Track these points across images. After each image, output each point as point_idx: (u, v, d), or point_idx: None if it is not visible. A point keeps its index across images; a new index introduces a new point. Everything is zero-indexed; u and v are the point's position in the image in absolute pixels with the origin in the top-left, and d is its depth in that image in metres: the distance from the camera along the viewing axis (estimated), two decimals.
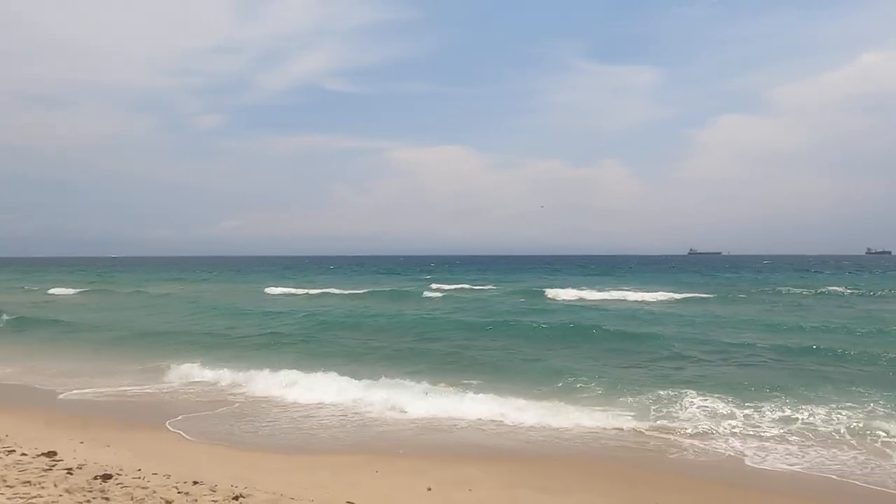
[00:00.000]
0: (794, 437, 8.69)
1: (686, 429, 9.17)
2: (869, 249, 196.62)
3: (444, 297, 34.37)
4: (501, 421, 9.86)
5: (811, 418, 9.42)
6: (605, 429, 9.30)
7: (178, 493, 5.98)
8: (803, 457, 7.93)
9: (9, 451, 7.24)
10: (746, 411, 9.85)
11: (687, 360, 14.61)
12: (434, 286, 42.21)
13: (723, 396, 10.72)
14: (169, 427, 9.53)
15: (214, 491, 6.11)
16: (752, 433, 8.93)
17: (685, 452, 8.28)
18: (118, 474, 6.50)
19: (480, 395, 11.07)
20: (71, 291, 41.66)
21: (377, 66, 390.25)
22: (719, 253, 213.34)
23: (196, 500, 5.76)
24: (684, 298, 31.62)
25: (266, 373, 12.95)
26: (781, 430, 8.96)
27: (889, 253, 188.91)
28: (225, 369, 13.61)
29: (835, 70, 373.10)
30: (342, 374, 12.80)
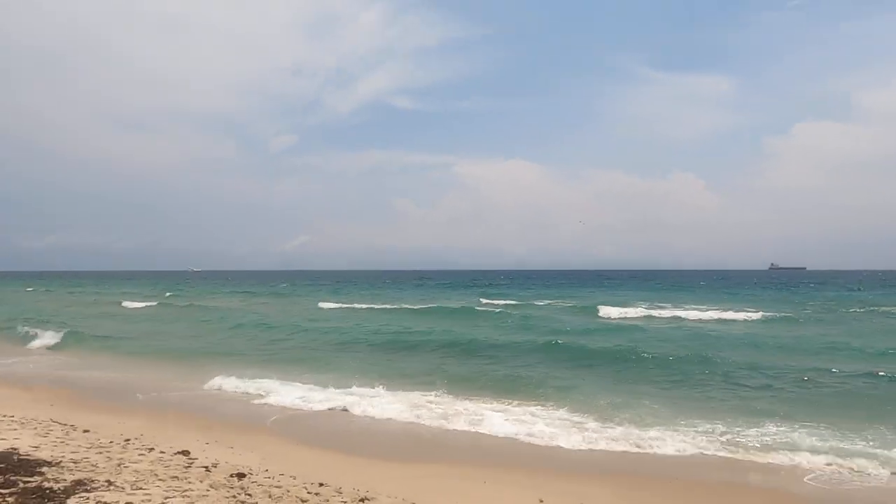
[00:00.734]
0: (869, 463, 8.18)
1: (757, 449, 8.95)
2: None
3: (497, 313, 33.63)
4: (580, 441, 9.78)
5: None
6: (688, 453, 9.09)
7: (308, 493, 6.35)
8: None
9: (149, 450, 7.91)
10: (834, 442, 9.26)
11: (741, 387, 13.64)
12: (484, 301, 42.23)
13: (807, 426, 10.15)
14: (277, 432, 10.08)
15: (340, 493, 6.46)
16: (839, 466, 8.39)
17: (766, 476, 7.99)
18: (249, 473, 6.97)
19: (553, 416, 11.23)
20: (140, 304, 43.42)
21: (441, 82, 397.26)
22: (803, 268, 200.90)
23: (327, 501, 6.10)
24: (759, 318, 29.05)
25: (331, 388, 13.62)
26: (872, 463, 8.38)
27: None
28: (276, 381, 14.34)
29: None
30: (408, 389, 13.48)
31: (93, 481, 6.01)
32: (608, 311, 33.19)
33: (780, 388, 13.32)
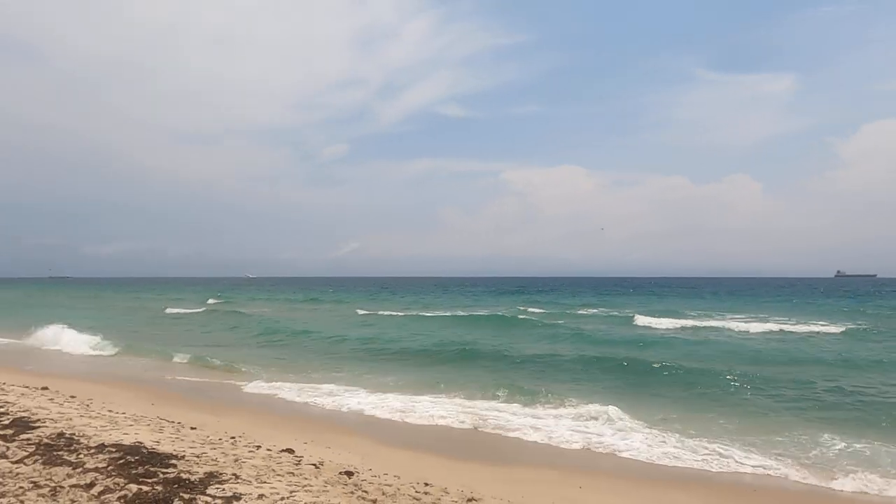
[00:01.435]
0: None
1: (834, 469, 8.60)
2: None
3: (545, 322, 32.77)
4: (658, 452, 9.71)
5: None
6: (765, 467, 8.90)
7: (417, 492, 6.60)
8: None
9: (256, 447, 8.36)
10: None
11: (816, 402, 13.10)
12: (532, 309, 42.01)
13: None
14: (366, 435, 10.42)
15: (447, 493, 6.67)
16: None
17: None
18: (356, 472, 7.28)
19: (615, 426, 11.25)
20: (182, 310, 44.06)
21: (489, 90, 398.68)
22: (874, 275, 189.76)
23: (438, 500, 6.33)
24: (834, 331, 27.30)
25: (394, 393, 14.22)
26: None
27: None
28: (343, 385, 14.69)
29: None
30: (467, 397, 13.72)
31: (221, 474, 6.44)
32: (648, 321, 32.55)
33: (865, 404, 12.79)
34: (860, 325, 29.64)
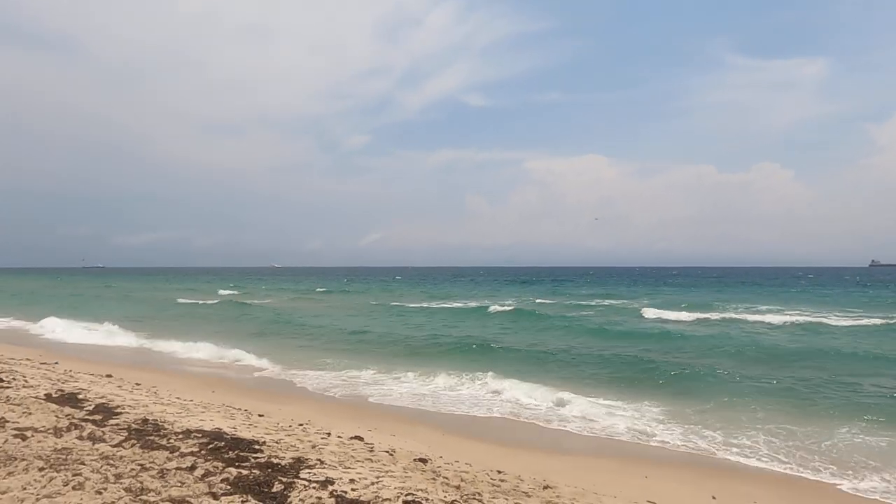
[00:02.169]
0: None
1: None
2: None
3: (537, 313, 32.87)
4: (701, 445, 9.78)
5: None
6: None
7: (492, 479, 6.81)
8: None
9: (327, 434, 8.66)
10: None
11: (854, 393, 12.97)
12: (535, 299, 41.58)
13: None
14: (427, 423, 10.69)
15: (522, 480, 6.88)
16: None
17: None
18: (429, 459, 7.53)
19: (658, 417, 11.49)
20: (193, 301, 44.30)
21: (513, 78, 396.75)
22: None
23: (516, 487, 6.53)
24: (839, 325, 26.46)
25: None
26: None
27: None
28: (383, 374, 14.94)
29: None
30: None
31: (307, 459, 6.73)
32: (656, 314, 32.15)
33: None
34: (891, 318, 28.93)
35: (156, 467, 5.93)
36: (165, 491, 5.17)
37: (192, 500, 5.03)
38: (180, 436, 7.41)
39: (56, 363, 14.63)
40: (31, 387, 10.39)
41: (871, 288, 60.83)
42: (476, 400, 12.81)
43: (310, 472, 6.19)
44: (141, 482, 5.32)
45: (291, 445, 7.53)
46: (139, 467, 5.86)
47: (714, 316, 30.80)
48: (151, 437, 7.19)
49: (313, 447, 7.58)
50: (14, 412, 8.05)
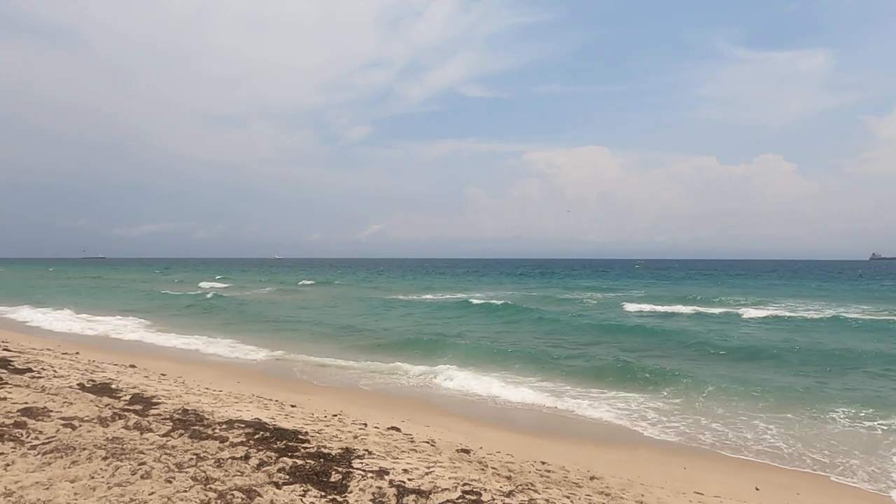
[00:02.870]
0: None
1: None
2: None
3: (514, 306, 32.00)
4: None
5: None
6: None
7: (538, 470, 6.86)
8: None
9: (364, 425, 8.70)
10: None
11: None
12: (478, 295, 41.57)
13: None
14: (451, 412, 10.74)
15: (568, 471, 6.92)
16: None
17: None
18: (471, 450, 7.57)
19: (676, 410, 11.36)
20: (174, 292, 44.29)
21: (514, 69, 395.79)
22: None
23: (565, 477, 6.58)
24: (834, 315, 26.48)
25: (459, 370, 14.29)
26: None
27: None
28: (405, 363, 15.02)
29: None
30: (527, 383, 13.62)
31: (355, 449, 6.77)
32: (640, 308, 31.80)
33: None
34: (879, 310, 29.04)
35: (210, 457, 5.96)
36: (229, 480, 5.20)
37: (257, 489, 5.06)
38: (224, 426, 7.44)
39: (77, 353, 14.65)
40: (62, 377, 10.41)
41: (867, 281, 61.00)
42: (501, 390, 12.85)
43: (361, 462, 6.22)
44: (204, 471, 5.35)
45: (334, 436, 7.56)
46: (195, 457, 5.89)
47: (699, 309, 30.35)
48: (197, 427, 7.22)
49: (355, 437, 7.62)
50: (55, 402, 8.07)
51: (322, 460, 6.18)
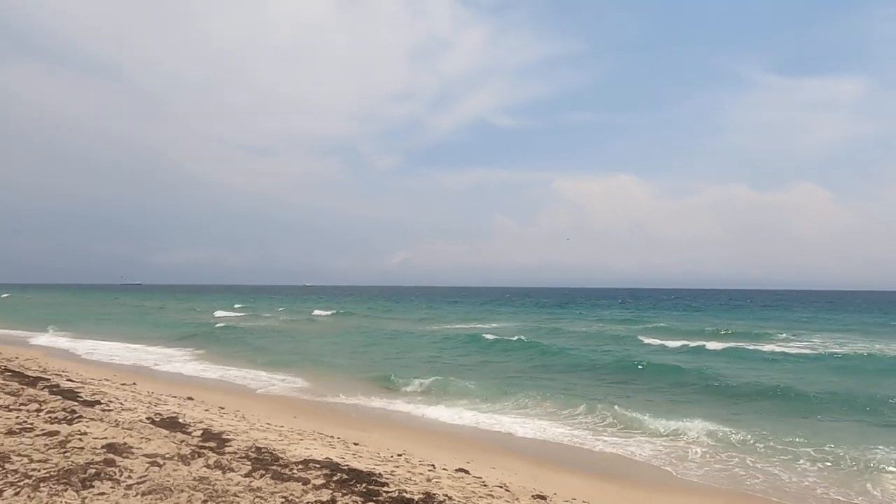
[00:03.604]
0: None
1: None
2: None
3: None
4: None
5: None
6: None
7: None
8: None
9: (431, 466, 8.65)
10: None
11: None
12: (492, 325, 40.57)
13: None
14: (508, 451, 10.61)
15: None
16: None
17: None
18: (547, 496, 7.45)
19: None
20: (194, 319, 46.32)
21: (542, 99, 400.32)
22: None
23: None
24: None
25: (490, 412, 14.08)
26: None
27: None
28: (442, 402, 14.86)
29: None
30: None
31: (435, 494, 6.73)
32: (662, 343, 30.25)
33: None
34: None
35: (298, 500, 5.99)
36: None
37: None
38: (300, 466, 7.48)
39: (134, 384, 14.96)
40: (130, 409, 10.63)
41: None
42: (538, 428, 12.67)
43: None
44: None
45: (408, 478, 7.53)
46: (285, 500, 5.93)
47: (730, 344, 28.90)
48: (275, 468, 7.27)
49: (429, 480, 7.57)
50: (132, 437, 8.23)
51: None
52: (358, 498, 6.23)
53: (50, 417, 9.22)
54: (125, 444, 7.79)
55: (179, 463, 7.11)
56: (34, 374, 14.48)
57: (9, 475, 5.70)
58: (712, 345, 28.59)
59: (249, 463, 7.40)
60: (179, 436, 8.67)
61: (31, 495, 5.22)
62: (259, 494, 5.99)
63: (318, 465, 7.57)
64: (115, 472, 6.34)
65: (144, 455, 7.34)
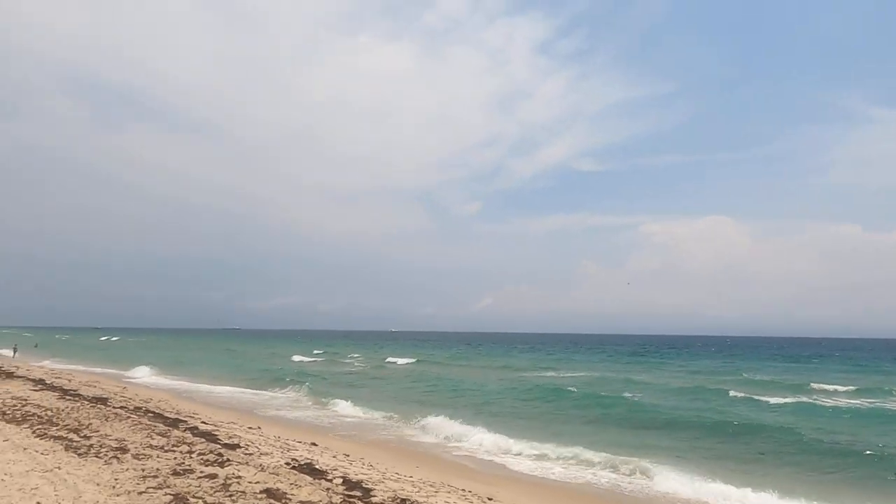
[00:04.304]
0: None
1: None
2: None
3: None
4: None
5: None
6: None
7: None
8: None
9: None
10: None
11: None
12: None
13: None
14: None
15: None
16: None
17: None
18: None
19: None
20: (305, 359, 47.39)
21: (626, 141, 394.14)
22: None
23: None
24: None
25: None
26: None
27: None
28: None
29: None
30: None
31: None
32: (758, 398, 26.10)
33: None
34: None
35: None
36: None
37: None
38: None
39: (259, 428, 15.52)
40: (267, 454, 10.98)
41: None
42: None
43: None
44: None
45: None
46: None
47: (843, 401, 25.46)
48: None
49: None
50: (282, 483, 8.44)
51: None
52: None
53: (203, 460, 9.69)
54: (278, 489, 8.00)
55: None
56: (172, 416, 15.43)
57: None
58: (826, 400, 25.68)
59: None
60: (324, 483, 8.79)
61: None
62: None
63: None
64: None
65: (300, 501, 7.48)
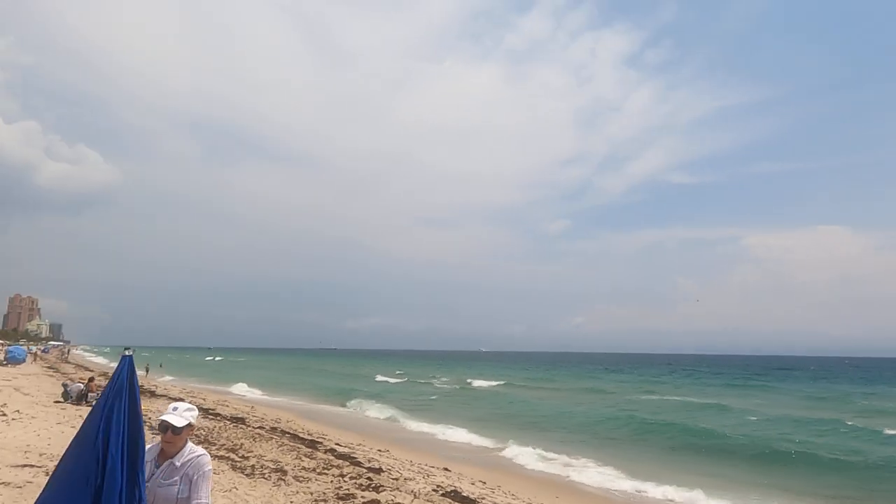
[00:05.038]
0: None
1: None
2: None
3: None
4: None
5: None
6: None
7: None
8: None
9: None
10: None
11: None
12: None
13: None
14: None
15: None
16: None
17: None
18: None
19: None
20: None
21: (720, 152, 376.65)
22: None
23: None
24: None
25: None
26: None
27: None
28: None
29: None
30: None
31: None
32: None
33: None
34: None
35: None
36: None
37: None
38: None
39: (388, 450, 15.75)
40: (412, 479, 11.07)
41: None
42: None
43: None
44: None
45: None
46: None
47: None
48: None
49: None
50: None
51: None
52: None
53: (356, 484, 9.93)
54: None
55: None
56: (307, 437, 16.05)
57: None
58: None
59: None
60: None
61: None
62: None
63: None
64: None
65: None
